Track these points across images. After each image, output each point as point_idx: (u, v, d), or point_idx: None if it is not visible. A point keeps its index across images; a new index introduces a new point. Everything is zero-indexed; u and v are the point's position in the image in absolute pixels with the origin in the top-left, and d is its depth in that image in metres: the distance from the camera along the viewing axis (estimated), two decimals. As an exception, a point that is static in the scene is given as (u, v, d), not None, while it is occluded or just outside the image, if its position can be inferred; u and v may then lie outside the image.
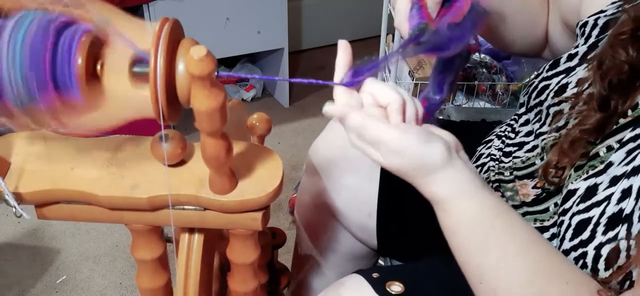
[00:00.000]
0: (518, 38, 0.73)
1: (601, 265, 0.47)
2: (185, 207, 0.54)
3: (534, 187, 0.61)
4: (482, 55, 1.47)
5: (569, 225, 0.51)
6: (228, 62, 2.14)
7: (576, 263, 0.49)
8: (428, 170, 0.48)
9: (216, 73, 0.43)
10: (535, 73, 0.66)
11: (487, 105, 1.48)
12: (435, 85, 0.63)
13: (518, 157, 0.66)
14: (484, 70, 1.46)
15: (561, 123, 0.57)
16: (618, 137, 0.51)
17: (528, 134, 0.66)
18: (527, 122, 0.67)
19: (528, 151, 0.65)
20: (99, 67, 0.45)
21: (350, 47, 0.52)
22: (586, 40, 0.59)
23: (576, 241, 0.50)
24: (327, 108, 0.49)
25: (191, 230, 0.59)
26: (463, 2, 0.54)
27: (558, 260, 0.49)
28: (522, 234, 0.49)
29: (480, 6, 0.56)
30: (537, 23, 0.73)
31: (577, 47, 0.61)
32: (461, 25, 0.55)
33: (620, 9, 0.54)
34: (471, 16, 0.55)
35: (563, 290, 0.46)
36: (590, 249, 0.48)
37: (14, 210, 0.52)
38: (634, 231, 0.45)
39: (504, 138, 0.71)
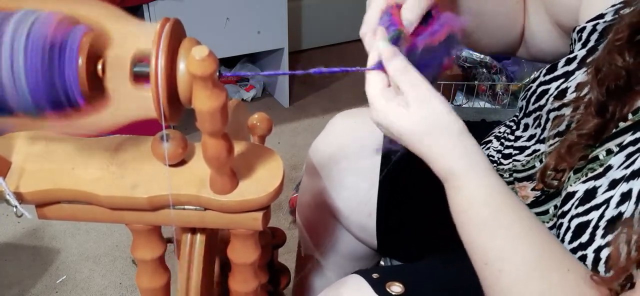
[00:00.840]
0: (494, 40, 0.73)
1: (601, 267, 0.47)
2: (186, 206, 0.54)
3: (533, 189, 0.61)
4: (482, 55, 1.47)
5: (568, 228, 0.51)
6: (228, 62, 2.14)
7: None
8: (449, 135, 0.49)
9: (219, 73, 0.43)
10: (533, 76, 0.66)
11: (487, 105, 1.48)
12: None
13: (518, 161, 0.66)
14: (484, 70, 1.46)
15: (562, 127, 0.57)
16: (618, 140, 0.51)
17: (529, 139, 0.66)
18: (526, 127, 0.67)
19: (528, 155, 0.65)
20: (100, 67, 0.45)
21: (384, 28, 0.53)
22: (584, 44, 0.59)
23: (575, 243, 0.50)
24: (382, 44, 0.51)
25: (193, 230, 0.59)
26: (440, 28, 0.53)
27: (560, 248, 0.49)
28: (528, 219, 0.49)
29: (457, 37, 0.55)
30: (514, 25, 0.73)
31: (574, 51, 0.61)
32: (435, 51, 0.54)
33: (621, 13, 0.54)
34: (446, 43, 0.54)
35: (565, 277, 0.47)
36: (590, 252, 0.48)
37: (14, 209, 0.52)
38: (634, 234, 0.45)
39: (503, 140, 0.72)
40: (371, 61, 0.52)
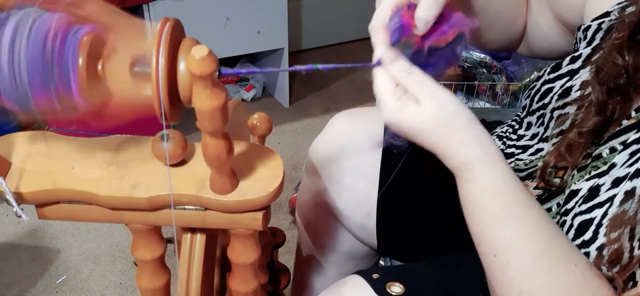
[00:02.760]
0: (497, 36, 0.73)
1: (603, 265, 0.47)
2: (186, 206, 0.54)
3: (536, 188, 0.61)
4: (482, 55, 1.47)
5: (571, 226, 0.51)
6: (228, 62, 2.14)
7: None
8: (461, 125, 0.49)
9: (218, 72, 0.43)
10: (536, 75, 0.66)
11: (487, 105, 1.48)
12: None
13: (521, 160, 0.66)
14: (484, 70, 1.46)
15: (566, 126, 0.57)
16: (621, 138, 0.51)
17: (532, 138, 0.66)
18: (529, 125, 0.67)
19: (531, 154, 0.65)
20: (100, 67, 0.45)
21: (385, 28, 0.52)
22: (590, 43, 0.59)
23: (578, 241, 0.50)
24: (382, 49, 0.51)
25: (193, 230, 0.59)
26: (448, 29, 0.52)
27: (567, 242, 0.49)
28: (537, 212, 0.49)
29: (465, 38, 0.54)
30: (516, 21, 0.73)
31: (578, 49, 0.61)
32: (442, 53, 0.53)
33: (622, 12, 0.55)
34: (454, 45, 0.53)
35: (571, 271, 0.47)
36: (592, 249, 0.48)
37: (15, 210, 0.52)
38: (637, 232, 0.45)
39: (505, 139, 0.72)
40: (376, 59, 0.52)
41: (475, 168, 0.49)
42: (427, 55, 0.52)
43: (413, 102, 0.49)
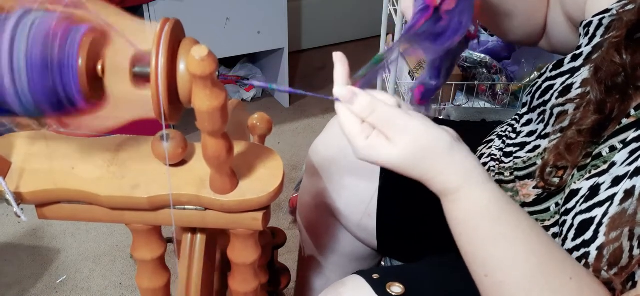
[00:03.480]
0: (517, 26, 0.73)
1: (603, 265, 0.47)
2: (186, 206, 0.54)
3: (535, 187, 0.61)
4: (482, 55, 1.47)
5: (572, 225, 0.51)
6: (228, 62, 2.14)
7: (578, 262, 0.49)
8: (438, 154, 0.47)
9: (217, 73, 0.43)
10: (536, 74, 0.66)
11: (487, 105, 1.48)
12: (432, 70, 0.62)
13: (519, 157, 0.66)
14: (484, 70, 1.46)
15: (565, 124, 0.57)
16: (621, 137, 0.51)
17: (530, 134, 0.66)
18: (529, 122, 0.67)
19: (529, 151, 0.65)
20: (100, 67, 0.45)
21: (346, 60, 0.51)
22: (590, 40, 0.59)
23: (578, 241, 0.50)
24: (338, 89, 0.49)
25: (193, 230, 0.59)
26: None
27: (562, 255, 0.49)
28: (528, 227, 0.49)
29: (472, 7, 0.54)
30: (537, 12, 0.73)
31: (580, 47, 0.61)
32: (455, 11, 0.53)
33: (620, 10, 0.55)
34: (461, 9, 0.53)
35: (566, 285, 0.46)
36: (593, 249, 0.48)
37: (14, 210, 0.52)
38: (637, 231, 0.45)
39: (505, 138, 0.72)
40: (338, 92, 0.50)
41: (458, 192, 0.48)
42: (446, 18, 0.52)
43: (384, 139, 0.47)
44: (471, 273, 0.50)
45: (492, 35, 1.60)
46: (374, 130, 0.48)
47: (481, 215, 0.48)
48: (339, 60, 0.51)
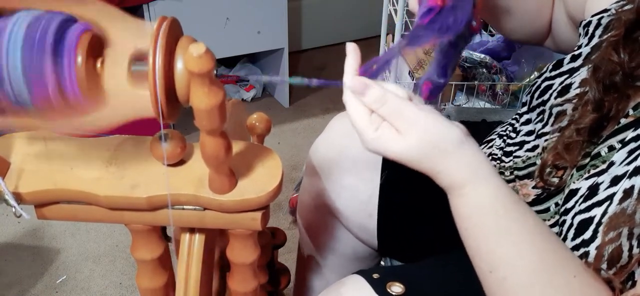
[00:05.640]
0: (522, 25, 0.73)
1: (603, 264, 0.47)
2: (185, 206, 0.54)
3: (535, 187, 0.61)
4: (482, 55, 1.47)
5: (571, 225, 0.51)
6: (228, 62, 2.14)
7: None
8: (447, 148, 0.47)
9: (216, 72, 0.43)
10: (536, 74, 0.66)
11: (487, 105, 1.48)
12: (438, 67, 0.62)
13: (518, 157, 0.65)
14: (484, 70, 1.46)
15: (564, 123, 0.57)
16: (620, 136, 0.51)
17: (529, 133, 0.66)
18: (528, 122, 0.67)
19: (528, 150, 0.65)
20: (98, 66, 0.45)
21: (358, 50, 0.51)
22: (590, 40, 0.59)
23: (578, 240, 0.50)
24: (349, 79, 0.48)
25: (192, 230, 0.59)
26: None
27: (565, 252, 0.49)
28: (533, 223, 0.49)
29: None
30: (542, 11, 0.73)
31: (580, 47, 0.61)
32: (455, 5, 0.52)
33: (619, 10, 0.54)
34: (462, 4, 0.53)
35: (570, 282, 0.46)
36: (592, 248, 0.48)
37: (13, 210, 0.52)
38: (636, 231, 0.45)
39: (505, 138, 0.71)
40: (350, 83, 0.49)
41: (466, 187, 0.48)
42: (449, 10, 0.52)
43: (394, 132, 0.47)
44: (475, 269, 0.50)
45: (492, 35, 1.60)
46: (383, 122, 0.48)
47: (487, 211, 0.48)
48: (352, 51, 0.50)
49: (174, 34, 0.44)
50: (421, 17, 0.52)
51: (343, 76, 0.49)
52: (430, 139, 0.47)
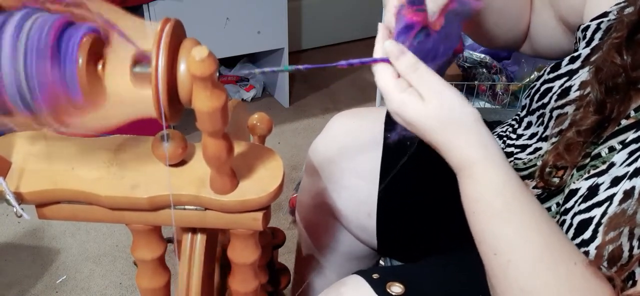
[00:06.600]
0: (502, 33, 0.73)
1: (604, 263, 0.47)
2: (186, 206, 0.54)
3: (535, 187, 0.61)
4: (482, 55, 1.47)
5: (571, 225, 0.51)
6: (228, 62, 2.14)
7: None
8: (463, 124, 0.49)
9: (218, 73, 0.43)
10: (536, 75, 0.66)
11: (487, 105, 1.48)
12: None
13: (519, 159, 0.66)
14: (484, 70, 1.46)
15: (565, 125, 0.57)
16: (620, 138, 0.51)
17: (531, 137, 0.66)
18: (529, 125, 0.67)
19: (530, 153, 0.65)
20: (100, 67, 0.45)
21: (388, 30, 0.53)
22: (589, 43, 0.59)
23: (578, 240, 0.50)
24: (388, 44, 0.51)
25: (193, 231, 0.59)
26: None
27: (567, 241, 0.49)
28: (539, 211, 0.49)
29: (467, 9, 0.55)
30: (521, 18, 0.73)
31: (578, 49, 0.61)
32: (444, 30, 0.53)
33: (620, 12, 0.55)
34: (453, 26, 0.54)
35: (571, 270, 0.47)
36: (592, 248, 0.48)
37: (14, 210, 0.52)
38: (636, 231, 0.45)
39: (505, 139, 0.72)
40: (377, 54, 0.52)
41: (476, 168, 0.49)
42: (434, 43, 0.53)
43: (417, 97, 0.49)
44: (480, 253, 0.50)
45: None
46: (409, 87, 0.50)
47: (495, 193, 0.49)
48: (382, 27, 0.53)
49: (177, 36, 0.44)
50: (399, 34, 0.52)
51: (373, 50, 0.52)
52: (449, 112, 0.49)
